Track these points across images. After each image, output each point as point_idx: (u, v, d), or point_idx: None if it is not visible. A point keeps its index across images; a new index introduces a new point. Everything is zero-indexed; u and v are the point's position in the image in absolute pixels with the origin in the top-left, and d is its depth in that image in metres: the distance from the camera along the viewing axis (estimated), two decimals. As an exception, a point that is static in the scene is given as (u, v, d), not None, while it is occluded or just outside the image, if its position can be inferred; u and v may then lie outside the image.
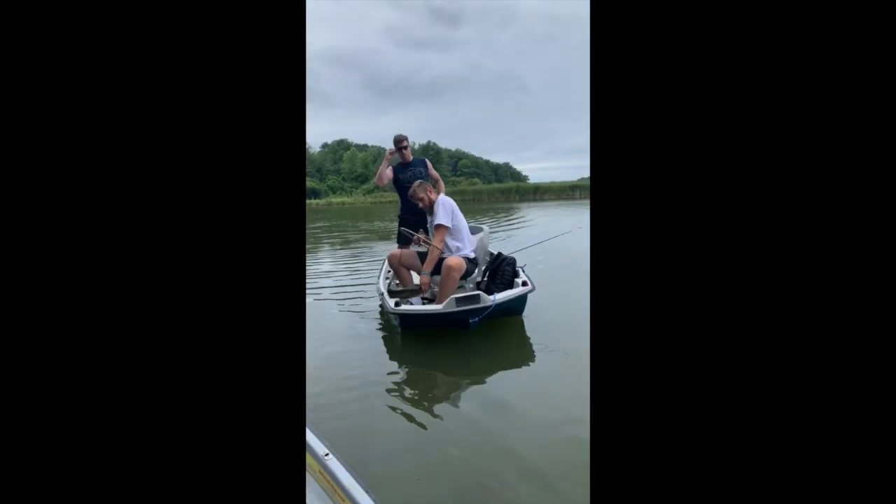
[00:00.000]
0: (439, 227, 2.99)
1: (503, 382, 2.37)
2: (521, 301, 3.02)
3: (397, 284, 3.47)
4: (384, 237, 9.87)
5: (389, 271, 3.62)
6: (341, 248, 8.64)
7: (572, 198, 30.34)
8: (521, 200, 29.84)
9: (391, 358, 2.79)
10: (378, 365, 2.67)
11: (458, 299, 2.64)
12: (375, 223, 15.34)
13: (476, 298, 2.69)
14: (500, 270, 3.18)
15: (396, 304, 2.78)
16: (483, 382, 2.39)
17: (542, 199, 30.87)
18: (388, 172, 3.84)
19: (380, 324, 3.41)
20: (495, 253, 3.39)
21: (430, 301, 3.60)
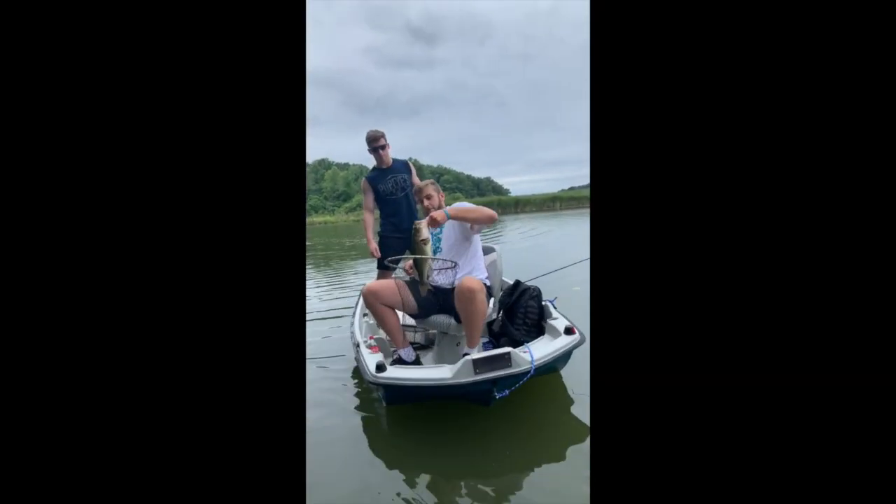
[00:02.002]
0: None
1: (544, 482, 1.47)
2: (564, 357, 1.99)
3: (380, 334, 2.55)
4: (366, 254, 8.84)
5: (367, 312, 2.69)
6: (314, 269, 7.65)
7: (553, 209, 30.40)
8: (504, 213, 29.37)
9: (373, 450, 1.86)
10: (350, 467, 1.74)
11: (477, 361, 1.66)
12: (356, 240, 14.41)
13: (505, 360, 1.68)
14: (522, 306, 2.30)
15: (379, 369, 1.81)
16: (515, 491, 1.48)
17: (524, 212, 30.71)
18: (369, 201, 2.93)
19: (356, 390, 2.47)
20: (512, 282, 2.51)
21: (424, 349, 2.69)
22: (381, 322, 2.19)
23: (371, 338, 2.38)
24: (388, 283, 2.23)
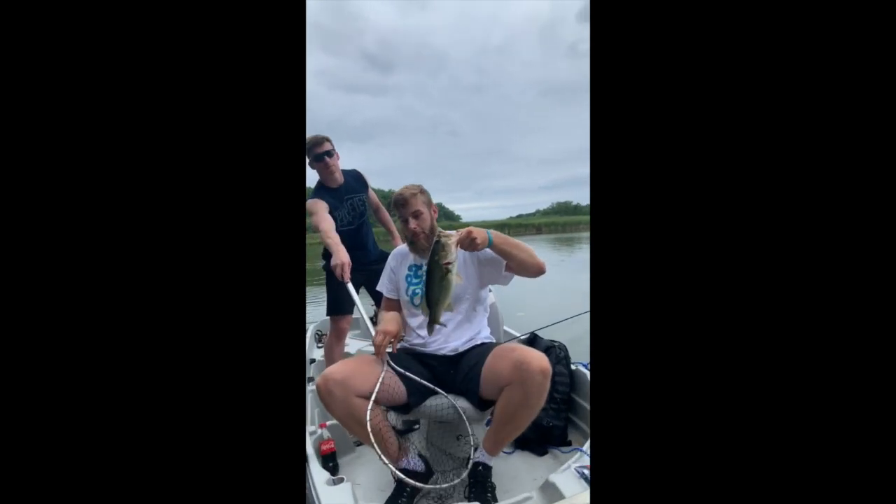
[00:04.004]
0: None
1: None
2: None
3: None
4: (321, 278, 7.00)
5: (319, 430, 1.55)
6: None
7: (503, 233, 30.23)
8: (455, 240, 28.91)
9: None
10: None
11: None
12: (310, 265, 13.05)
13: None
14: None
15: None
16: None
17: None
18: (324, 212, 1.87)
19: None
20: (520, 334, 1.79)
21: (422, 477, 1.46)
22: (356, 427, 1.22)
23: (322, 425, 1.54)
24: (360, 363, 1.31)
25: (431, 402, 1.34)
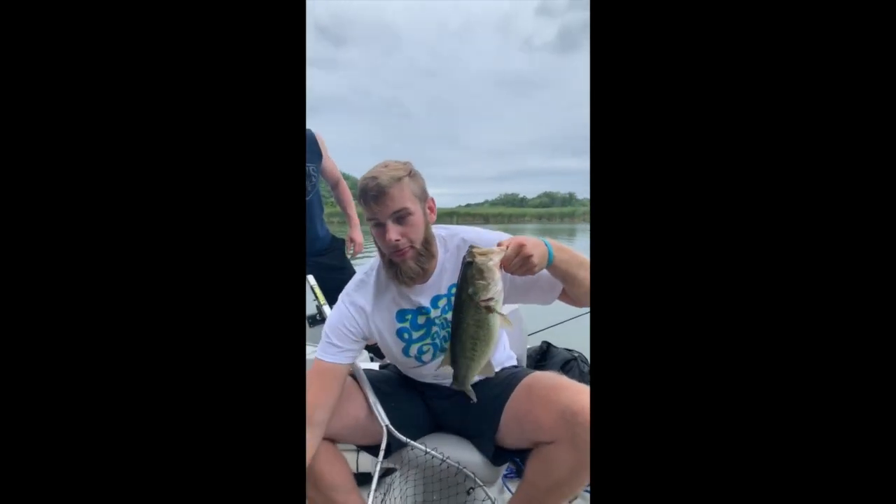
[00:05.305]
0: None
1: None
2: None
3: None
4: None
5: None
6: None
7: (449, 223, 30.26)
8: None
9: None
10: None
11: None
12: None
13: None
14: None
15: None
16: None
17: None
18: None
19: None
20: (540, 346, 1.44)
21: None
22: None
23: None
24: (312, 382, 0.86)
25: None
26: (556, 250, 0.78)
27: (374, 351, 1.41)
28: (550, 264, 0.78)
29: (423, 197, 0.87)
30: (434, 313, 0.90)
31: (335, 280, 1.20)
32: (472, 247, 0.71)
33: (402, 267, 0.84)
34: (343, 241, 1.60)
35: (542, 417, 0.80)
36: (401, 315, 0.91)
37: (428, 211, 0.87)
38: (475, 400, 0.83)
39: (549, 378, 0.88)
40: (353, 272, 1.60)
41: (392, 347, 0.93)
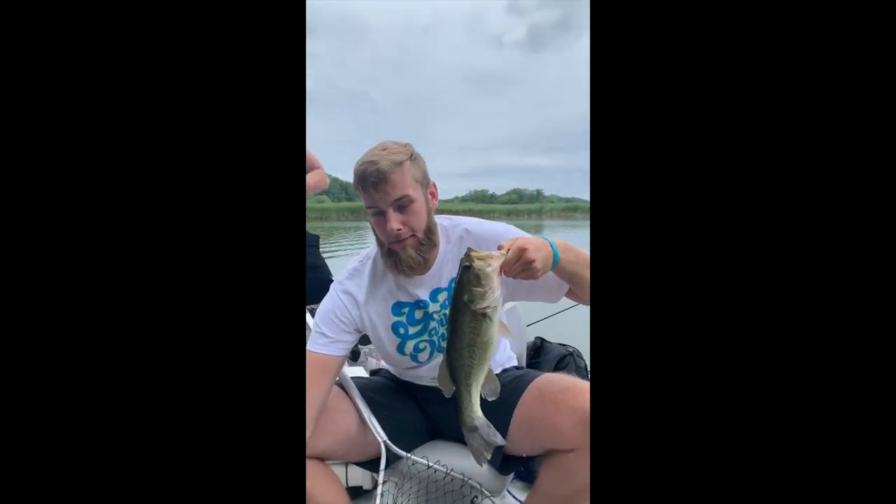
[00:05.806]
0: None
1: None
2: None
3: None
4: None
5: None
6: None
7: None
8: (367, 220, 27.80)
9: None
10: None
11: None
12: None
13: None
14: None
15: None
16: None
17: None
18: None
19: None
20: (533, 341, 1.39)
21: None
22: None
23: None
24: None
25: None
26: (561, 251, 0.74)
27: (352, 356, 1.32)
28: (556, 266, 0.74)
29: (425, 182, 0.83)
30: (433, 307, 0.85)
31: (311, 280, 1.11)
32: (470, 249, 0.67)
33: (402, 255, 0.79)
34: (317, 237, 1.51)
35: (561, 423, 0.75)
36: (397, 308, 0.86)
37: (430, 197, 0.83)
38: (477, 427, 0.74)
39: (561, 380, 0.83)
40: (329, 271, 1.50)
41: (386, 343, 0.87)
